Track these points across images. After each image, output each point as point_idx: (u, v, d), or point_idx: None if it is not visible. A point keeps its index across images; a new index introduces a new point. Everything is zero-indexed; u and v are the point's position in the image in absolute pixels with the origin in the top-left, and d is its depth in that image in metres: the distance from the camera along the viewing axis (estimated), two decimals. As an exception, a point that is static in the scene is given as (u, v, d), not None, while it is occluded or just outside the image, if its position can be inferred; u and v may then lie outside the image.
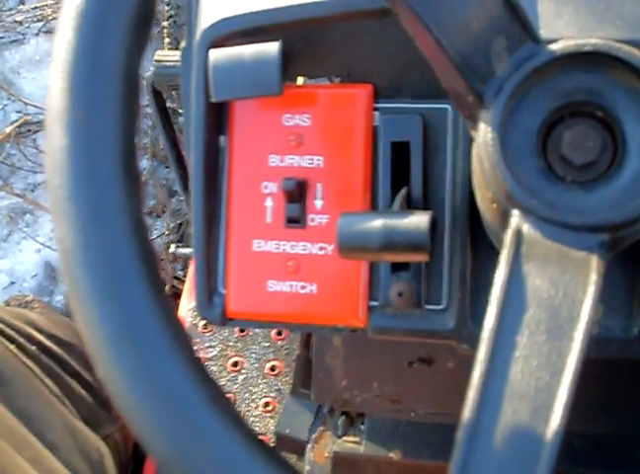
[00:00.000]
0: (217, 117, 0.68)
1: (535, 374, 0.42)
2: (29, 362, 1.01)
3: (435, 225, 0.60)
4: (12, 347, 1.01)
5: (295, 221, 0.67)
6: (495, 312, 0.43)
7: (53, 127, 0.41)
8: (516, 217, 0.47)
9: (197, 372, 0.40)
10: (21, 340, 1.04)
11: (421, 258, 0.60)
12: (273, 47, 0.63)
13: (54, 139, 0.41)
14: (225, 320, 0.70)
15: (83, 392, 1.08)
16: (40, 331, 1.12)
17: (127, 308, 0.39)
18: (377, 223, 0.59)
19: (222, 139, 0.69)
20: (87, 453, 0.97)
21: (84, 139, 0.40)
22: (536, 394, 0.41)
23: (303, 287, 0.67)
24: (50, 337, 1.12)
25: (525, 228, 0.46)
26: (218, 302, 0.69)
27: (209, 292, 0.69)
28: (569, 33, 0.60)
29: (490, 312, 0.43)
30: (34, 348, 1.05)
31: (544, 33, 0.60)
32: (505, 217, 0.48)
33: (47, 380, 1.02)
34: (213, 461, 0.40)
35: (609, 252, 0.47)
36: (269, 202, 0.68)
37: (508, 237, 0.46)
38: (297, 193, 0.66)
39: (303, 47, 0.66)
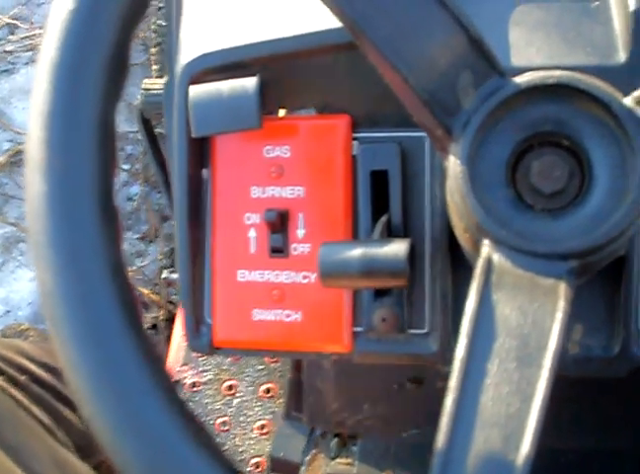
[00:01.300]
0: (199, 150, 0.70)
1: (506, 401, 0.43)
2: (17, 394, 1.01)
3: (413, 252, 0.62)
4: (0, 379, 1.01)
5: (279, 251, 0.68)
6: (465, 341, 0.44)
7: (32, 175, 0.42)
8: (486, 247, 0.48)
9: (177, 410, 0.41)
10: (10, 371, 1.04)
11: (400, 284, 0.61)
12: (250, 82, 0.64)
13: (33, 187, 0.42)
14: (213, 349, 0.71)
15: (75, 419, 1.08)
16: (32, 360, 1.13)
17: (107, 353, 0.40)
18: (357, 252, 0.60)
19: (205, 172, 0.70)
20: (75, 485, 0.98)
21: (61, 186, 0.41)
22: (507, 421, 0.42)
23: (288, 315, 0.69)
24: (42, 365, 1.12)
25: (496, 257, 0.47)
26: (205, 332, 0.70)
27: (196, 322, 0.71)
28: (539, 60, 0.61)
29: (461, 342, 0.45)
30: (24, 377, 1.06)
31: (515, 60, 0.62)
32: (477, 246, 0.50)
33: (37, 410, 1.02)
34: None
35: (579, 278, 0.48)
36: (252, 233, 0.69)
37: (478, 266, 0.47)
38: (279, 223, 0.68)
39: (281, 80, 0.67)
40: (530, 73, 0.49)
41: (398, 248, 0.60)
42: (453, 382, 0.44)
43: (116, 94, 0.45)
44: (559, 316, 0.44)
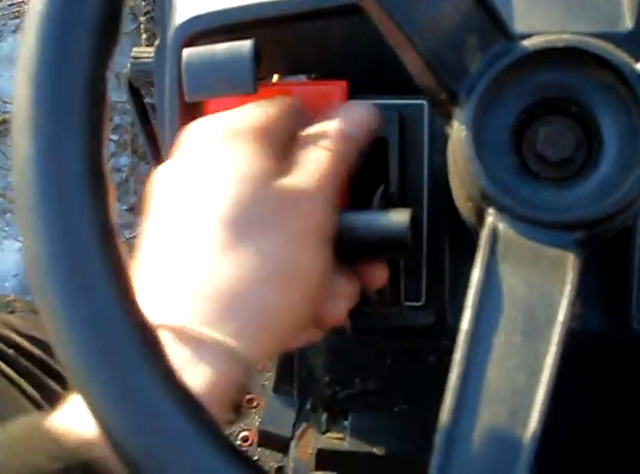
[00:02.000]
0: (192, 115, 0.67)
1: (512, 376, 0.41)
2: (5, 368, 1.00)
3: (414, 222, 0.60)
4: None
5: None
6: (471, 314, 0.43)
7: (19, 137, 0.40)
8: (491, 216, 0.46)
9: (170, 380, 0.40)
10: None
11: (401, 255, 0.59)
12: (245, 46, 0.62)
13: (21, 149, 0.40)
14: None
15: (63, 393, 1.07)
16: (20, 333, 1.11)
17: (98, 321, 0.39)
18: (357, 223, 0.58)
19: (197, 139, 0.68)
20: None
21: (49, 148, 0.39)
22: (513, 396, 0.41)
23: None
24: (30, 339, 1.10)
25: (501, 227, 0.46)
26: None
27: None
28: (543, 27, 0.59)
29: (466, 314, 0.43)
30: (11, 351, 1.04)
31: (518, 27, 0.60)
32: (480, 215, 0.48)
33: (25, 384, 1.01)
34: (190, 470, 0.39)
35: (585, 249, 0.46)
36: None
37: (483, 236, 0.46)
38: None
39: (276, 44, 0.65)
40: (539, 36, 0.48)
41: (400, 218, 0.58)
42: (458, 356, 0.42)
43: (108, 52, 0.43)
44: (567, 289, 0.43)
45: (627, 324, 0.64)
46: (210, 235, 0.51)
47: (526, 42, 0.47)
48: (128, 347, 0.39)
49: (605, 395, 0.90)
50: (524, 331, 0.42)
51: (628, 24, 0.60)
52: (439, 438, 0.41)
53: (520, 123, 0.48)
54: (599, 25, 0.60)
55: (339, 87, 0.66)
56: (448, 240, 0.65)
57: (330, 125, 0.58)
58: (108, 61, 0.43)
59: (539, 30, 0.58)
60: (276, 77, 0.70)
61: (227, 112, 0.59)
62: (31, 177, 0.39)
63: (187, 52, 0.63)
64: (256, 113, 0.58)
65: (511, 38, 0.47)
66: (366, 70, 0.66)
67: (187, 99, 0.63)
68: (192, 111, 0.67)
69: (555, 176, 0.48)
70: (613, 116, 0.47)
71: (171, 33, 0.66)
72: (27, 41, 0.41)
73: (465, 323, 0.43)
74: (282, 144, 0.58)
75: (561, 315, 0.42)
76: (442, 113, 0.50)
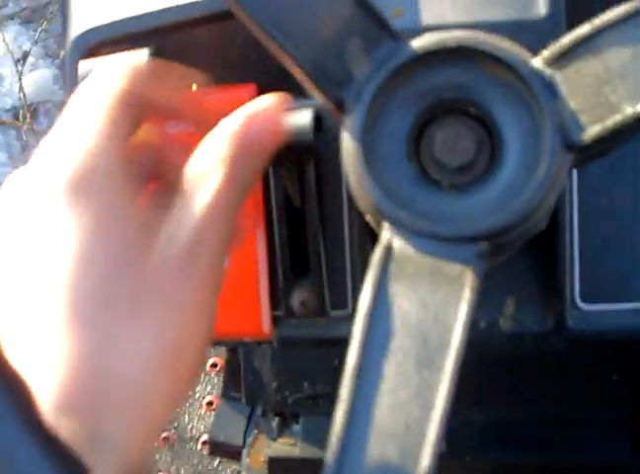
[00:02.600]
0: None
1: (404, 409, 0.38)
2: None
3: (320, 121, 0.57)
4: None
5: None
6: (359, 340, 0.40)
7: None
8: (386, 231, 0.43)
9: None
10: None
11: (309, 156, 0.58)
12: (141, 55, 0.59)
13: None
14: None
15: None
16: None
17: None
18: None
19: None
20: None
21: None
22: (406, 431, 0.38)
23: None
24: None
25: (396, 243, 0.42)
26: None
27: None
28: (453, 16, 0.56)
29: (354, 341, 0.40)
30: None
31: (427, 18, 0.57)
32: (379, 229, 0.45)
33: None
34: None
35: (491, 261, 0.43)
36: None
37: (376, 254, 0.42)
38: None
39: (174, 53, 0.62)
40: (429, 34, 0.44)
41: (302, 117, 0.55)
42: (346, 387, 0.39)
43: None
44: (463, 308, 0.40)
45: (562, 322, 0.62)
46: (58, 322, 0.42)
47: (415, 43, 0.44)
48: None
49: (542, 395, 0.88)
50: (417, 359, 0.39)
51: (542, 9, 0.57)
52: None
53: (416, 128, 0.45)
54: (512, 11, 0.57)
55: (248, 90, 0.63)
56: (372, 246, 0.62)
57: (219, 146, 0.48)
58: None
59: (448, 20, 0.55)
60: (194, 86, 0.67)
61: (66, 151, 0.44)
62: None
63: (83, 65, 0.60)
64: (105, 150, 0.45)
65: (397, 38, 0.44)
66: (273, 71, 0.63)
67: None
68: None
69: (457, 182, 0.44)
70: (512, 114, 0.44)
71: (68, 45, 0.63)
72: None
73: (353, 350, 0.40)
74: (149, 175, 0.49)
75: (456, 340, 0.39)
76: (338, 123, 0.46)
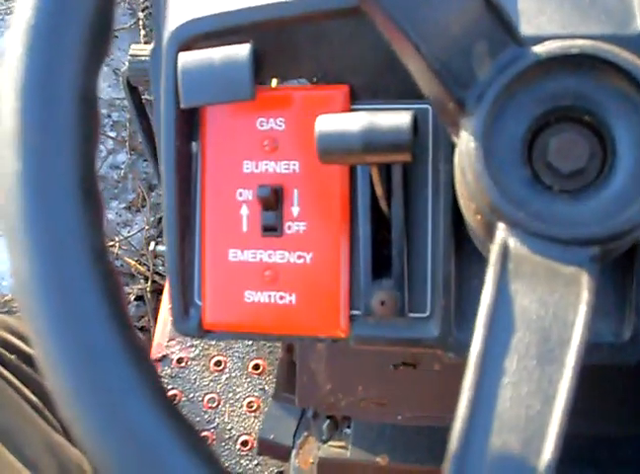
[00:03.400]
0: (189, 122, 0.66)
1: (525, 402, 0.39)
2: (7, 374, 0.98)
3: (417, 124, 0.58)
4: None
5: (272, 229, 0.65)
6: (482, 335, 0.41)
7: (5, 151, 0.38)
8: (501, 231, 0.44)
9: (166, 414, 0.38)
10: None
11: (404, 158, 0.57)
12: (243, 50, 0.60)
13: (7, 165, 0.38)
14: (202, 332, 0.67)
15: None
16: (20, 337, 1.09)
17: (89, 348, 0.37)
18: (358, 122, 0.56)
19: (194, 145, 0.66)
20: (68, 471, 0.95)
21: (39, 165, 0.37)
22: (527, 424, 0.39)
23: (282, 298, 0.65)
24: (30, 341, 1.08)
25: (512, 243, 0.43)
26: (195, 314, 0.67)
27: (185, 304, 0.67)
28: (552, 29, 0.57)
29: (477, 335, 0.41)
30: (13, 357, 1.02)
31: (526, 29, 0.58)
32: (490, 229, 0.46)
33: (27, 391, 0.99)
34: None
35: (600, 265, 0.44)
36: (244, 210, 0.65)
37: (494, 253, 0.43)
38: (273, 200, 0.64)
39: (275, 49, 0.63)
40: (550, 42, 0.45)
41: (401, 118, 0.56)
42: (468, 380, 0.40)
43: (98, 62, 0.40)
44: (582, 309, 0.41)
45: (638, 335, 0.62)
46: None
47: (538, 48, 0.45)
48: (121, 375, 0.37)
49: (608, 406, 0.88)
50: (538, 354, 0.40)
51: (639, 25, 0.58)
52: (447, 469, 0.39)
53: (531, 133, 0.46)
54: (608, 26, 0.58)
55: (340, 92, 0.64)
56: (454, 250, 0.63)
57: None
58: (98, 71, 0.41)
59: (548, 31, 0.56)
60: (274, 82, 0.68)
61: None
62: (19, 196, 0.37)
63: (183, 57, 0.61)
64: None
65: (521, 43, 0.45)
66: (368, 74, 0.64)
67: (183, 105, 0.61)
68: (188, 116, 0.65)
69: (568, 187, 0.46)
70: (628, 124, 0.45)
71: (166, 36, 0.64)
72: (13, 49, 0.39)
73: (476, 345, 0.41)
74: None
75: (577, 337, 0.40)
76: (450, 122, 0.47)
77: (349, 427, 0.96)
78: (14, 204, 0.37)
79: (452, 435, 0.40)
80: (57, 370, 0.37)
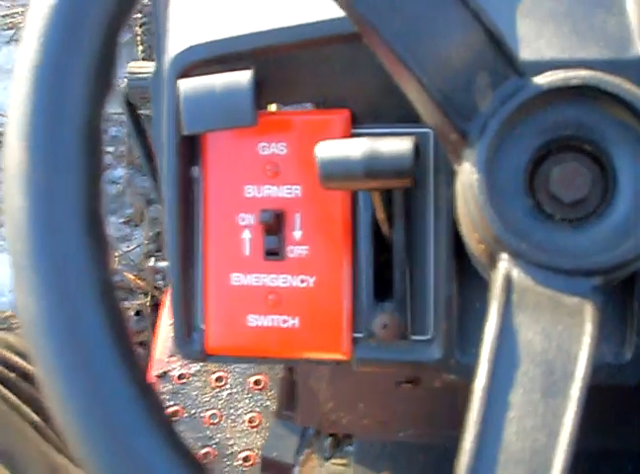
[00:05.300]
0: (190, 147, 0.66)
1: (531, 436, 0.39)
2: (8, 393, 0.98)
3: (418, 150, 0.58)
4: None
5: (274, 253, 0.65)
6: (487, 369, 0.41)
7: (12, 188, 0.38)
8: (504, 261, 0.44)
9: (173, 450, 0.38)
10: None
11: (406, 183, 0.58)
12: (244, 77, 0.60)
13: (13, 200, 0.38)
14: (205, 356, 0.67)
15: None
16: (19, 354, 1.09)
17: (97, 383, 0.37)
18: (360, 149, 0.56)
19: (196, 170, 0.67)
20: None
21: (45, 202, 0.37)
22: (532, 458, 0.39)
23: (285, 321, 0.65)
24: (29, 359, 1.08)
25: (515, 273, 0.44)
26: (197, 338, 0.67)
27: (187, 328, 0.67)
28: (551, 53, 0.57)
29: (481, 369, 0.41)
30: (13, 375, 1.02)
31: (525, 53, 0.58)
32: (493, 258, 0.46)
33: (28, 409, 0.99)
34: None
35: (603, 295, 0.44)
36: (246, 235, 0.65)
37: (497, 284, 0.44)
38: (275, 224, 0.64)
39: (275, 74, 0.63)
40: (551, 72, 0.46)
41: (402, 144, 0.56)
42: (474, 415, 0.40)
43: (103, 97, 0.41)
44: (586, 341, 0.41)
45: (639, 355, 0.63)
46: None
47: (539, 79, 0.45)
48: (135, 425, 0.37)
49: (614, 421, 0.88)
50: (543, 387, 0.40)
51: (637, 49, 0.58)
52: None
53: (532, 163, 0.46)
54: (607, 51, 0.58)
55: (341, 116, 0.64)
56: (456, 272, 0.63)
57: None
58: (103, 106, 0.41)
59: (547, 56, 0.56)
60: (273, 107, 0.68)
61: None
62: (26, 232, 0.37)
63: (184, 84, 0.62)
64: None
65: (522, 74, 0.45)
66: (369, 99, 0.64)
67: (185, 132, 0.61)
68: (190, 141, 0.65)
69: (570, 217, 0.46)
70: (629, 154, 0.45)
71: (167, 62, 0.64)
72: (19, 85, 0.40)
73: (481, 379, 0.41)
74: None
75: (581, 370, 0.40)
76: (452, 151, 0.48)
77: (350, 444, 0.96)
78: (20, 242, 0.38)
79: (459, 469, 0.40)
80: (64, 409, 0.37)
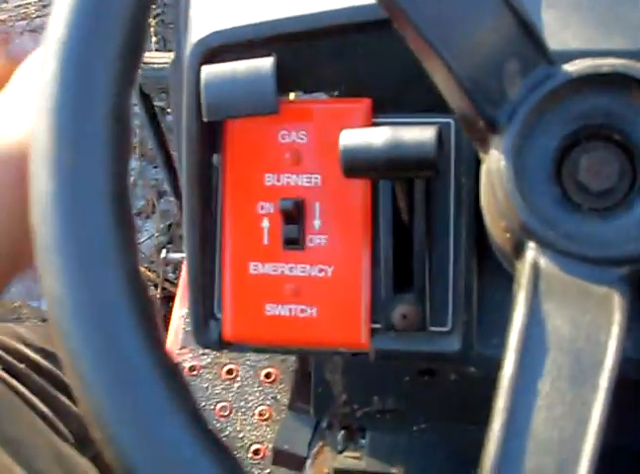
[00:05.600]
0: (210, 134, 0.65)
1: (559, 425, 0.39)
2: (17, 384, 0.98)
3: (441, 139, 0.57)
4: None
5: (293, 242, 0.65)
6: (514, 357, 0.41)
7: (39, 170, 0.38)
8: (532, 250, 0.44)
9: (202, 435, 0.37)
10: (9, 358, 1.01)
11: (428, 173, 0.58)
12: (267, 63, 0.60)
13: (40, 182, 0.38)
14: (222, 345, 0.67)
15: (74, 408, 1.05)
16: (29, 345, 1.09)
17: (122, 369, 0.36)
18: (383, 138, 0.56)
19: (215, 158, 0.66)
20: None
21: (72, 184, 0.37)
22: (561, 446, 0.39)
23: (303, 311, 0.65)
24: (40, 351, 1.08)
25: (543, 262, 0.43)
26: (214, 327, 0.67)
27: (205, 317, 0.67)
28: (576, 43, 0.57)
29: (509, 357, 0.41)
30: (22, 365, 1.02)
31: (551, 43, 0.58)
32: (519, 247, 0.46)
33: (36, 400, 0.99)
34: None
35: (631, 284, 0.44)
36: (265, 223, 0.65)
37: (525, 273, 0.43)
38: (295, 213, 0.64)
39: (297, 61, 0.63)
40: (581, 60, 0.45)
41: (426, 133, 0.56)
42: (502, 402, 0.40)
43: (131, 77, 0.40)
44: (615, 330, 0.41)
45: None
46: None
47: (569, 67, 0.45)
48: (154, 393, 0.37)
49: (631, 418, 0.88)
50: (571, 376, 0.40)
51: (664, 40, 0.58)
52: None
53: (560, 151, 0.46)
54: (633, 42, 0.58)
55: (362, 105, 0.64)
56: (476, 264, 0.63)
57: None
58: (131, 88, 0.41)
59: (574, 47, 0.56)
60: (292, 95, 0.68)
61: None
62: (51, 216, 0.37)
63: (206, 70, 0.61)
64: None
65: (552, 61, 0.45)
66: (390, 87, 0.64)
67: (205, 118, 0.61)
68: (210, 128, 0.65)
69: (597, 206, 0.46)
70: None
71: (188, 48, 0.64)
72: (46, 68, 0.39)
73: (509, 367, 0.41)
74: None
75: (609, 359, 0.40)
76: (478, 139, 0.47)
77: (364, 437, 0.96)
78: (46, 225, 0.37)
79: (486, 458, 0.39)
80: (91, 394, 0.37)
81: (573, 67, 0.45)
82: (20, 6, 2.20)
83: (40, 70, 0.39)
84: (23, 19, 2.18)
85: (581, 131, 0.46)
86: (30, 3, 2.19)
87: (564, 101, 0.45)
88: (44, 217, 0.37)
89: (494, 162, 0.45)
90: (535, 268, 0.43)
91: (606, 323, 0.41)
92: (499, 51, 0.44)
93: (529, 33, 0.44)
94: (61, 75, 0.39)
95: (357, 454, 0.96)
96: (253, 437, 1.28)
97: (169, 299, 1.78)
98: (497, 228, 0.50)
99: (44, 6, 2.19)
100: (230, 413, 1.31)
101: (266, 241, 0.65)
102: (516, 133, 0.44)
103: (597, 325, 0.41)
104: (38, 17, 2.21)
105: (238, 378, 1.34)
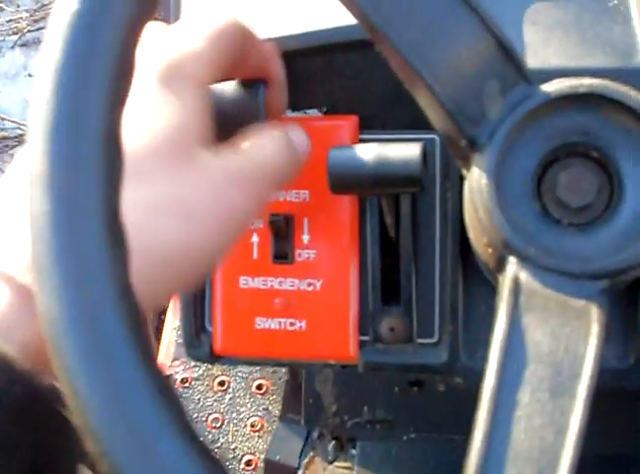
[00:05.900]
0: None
1: (539, 434, 0.40)
2: None
3: (426, 156, 0.59)
4: None
5: (283, 257, 0.66)
6: (495, 369, 0.42)
7: (35, 192, 0.39)
8: (512, 265, 0.45)
9: (193, 449, 0.38)
10: None
11: (414, 189, 0.59)
12: (256, 86, 0.61)
13: (36, 205, 0.39)
14: (213, 358, 0.68)
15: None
16: None
17: (117, 382, 0.38)
18: (369, 155, 0.57)
19: (206, 174, 0.67)
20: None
21: (66, 205, 0.38)
22: (540, 455, 0.40)
23: (292, 324, 0.66)
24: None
25: (523, 276, 0.45)
26: (206, 340, 0.68)
27: (196, 330, 0.68)
28: (558, 61, 0.58)
29: (490, 369, 0.42)
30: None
31: (532, 62, 0.59)
32: (500, 262, 0.47)
33: None
34: None
35: (609, 297, 0.45)
36: (255, 238, 0.66)
37: (505, 286, 0.45)
38: (284, 228, 0.65)
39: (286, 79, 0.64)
40: (559, 80, 0.47)
41: (412, 150, 0.57)
42: (483, 413, 0.41)
43: (123, 97, 0.42)
44: (593, 342, 0.42)
45: None
46: None
47: (547, 87, 0.46)
48: (155, 423, 0.38)
49: (620, 426, 0.89)
50: (551, 386, 0.41)
51: (645, 58, 0.59)
52: None
53: (540, 169, 0.47)
54: (613, 59, 0.59)
55: (349, 122, 0.65)
56: (461, 276, 0.64)
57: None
58: (122, 108, 0.42)
59: (554, 65, 0.57)
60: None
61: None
62: (48, 235, 0.38)
63: None
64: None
65: (531, 81, 0.47)
66: (377, 105, 0.65)
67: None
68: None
69: (576, 221, 0.47)
70: (634, 159, 0.47)
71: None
72: (40, 93, 0.41)
73: (490, 379, 0.42)
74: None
75: (587, 370, 0.41)
76: (461, 158, 0.49)
77: (354, 447, 0.97)
78: (42, 244, 0.38)
79: (468, 467, 0.41)
80: (84, 407, 0.38)
81: (551, 87, 0.46)
82: (11, 20, 2.22)
83: (35, 94, 0.40)
84: (15, 33, 2.20)
85: (559, 149, 0.47)
86: (21, 18, 2.20)
87: (543, 120, 0.47)
88: (41, 238, 0.38)
89: (475, 179, 0.46)
90: (516, 282, 0.45)
91: (585, 335, 0.42)
92: (479, 73, 0.46)
93: (508, 54, 0.46)
94: (54, 100, 0.40)
95: (347, 464, 0.97)
96: (245, 449, 1.29)
97: (161, 312, 1.79)
98: (480, 243, 0.51)
99: (36, 21, 2.20)
100: (222, 424, 1.32)
101: (255, 256, 0.66)
102: (496, 152, 0.46)
103: (575, 337, 0.42)
104: (29, 31, 2.22)
105: (230, 390, 1.35)
